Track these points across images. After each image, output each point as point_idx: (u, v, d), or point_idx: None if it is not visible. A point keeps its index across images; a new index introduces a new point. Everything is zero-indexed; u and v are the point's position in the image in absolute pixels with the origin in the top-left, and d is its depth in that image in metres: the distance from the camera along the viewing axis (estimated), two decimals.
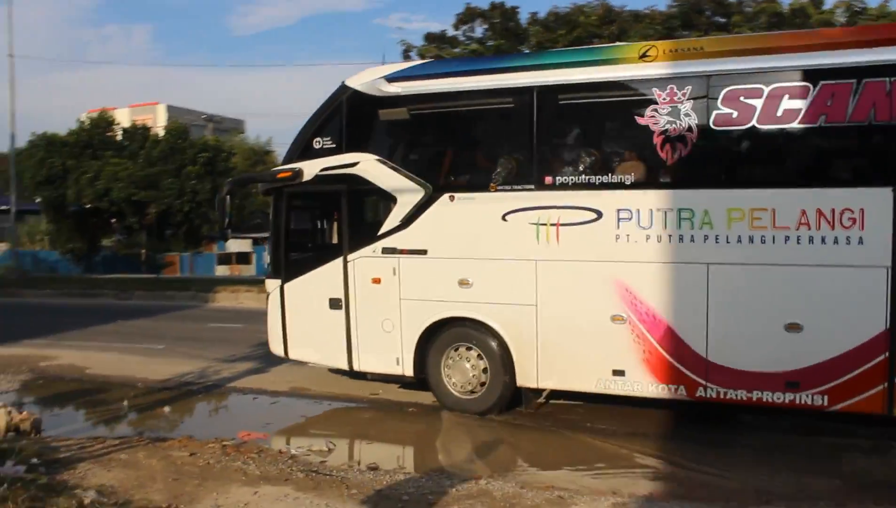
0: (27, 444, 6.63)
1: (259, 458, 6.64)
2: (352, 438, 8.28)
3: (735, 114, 7.24)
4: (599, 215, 7.68)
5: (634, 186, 7.63)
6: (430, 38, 27.69)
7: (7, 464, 5.83)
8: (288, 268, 9.18)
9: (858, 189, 6.94)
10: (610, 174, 7.74)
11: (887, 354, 6.89)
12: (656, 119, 7.45)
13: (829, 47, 7.04)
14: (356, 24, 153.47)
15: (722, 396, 7.48)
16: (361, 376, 9.21)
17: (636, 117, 7.53)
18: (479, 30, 27.37)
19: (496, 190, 8.07)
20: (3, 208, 31.87)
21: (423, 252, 8.38)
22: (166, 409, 9.16)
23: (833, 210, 6.94)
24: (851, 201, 6.89)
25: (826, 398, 7.14)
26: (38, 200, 28.22)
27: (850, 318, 6.99)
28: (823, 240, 6.99)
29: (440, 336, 8.47)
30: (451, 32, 27.25)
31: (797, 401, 7.24)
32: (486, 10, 27.10)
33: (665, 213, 7.47)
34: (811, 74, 7.04)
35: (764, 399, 7.36)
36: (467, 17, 27.53)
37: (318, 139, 8.79)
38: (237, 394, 9.90)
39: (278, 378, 10.33)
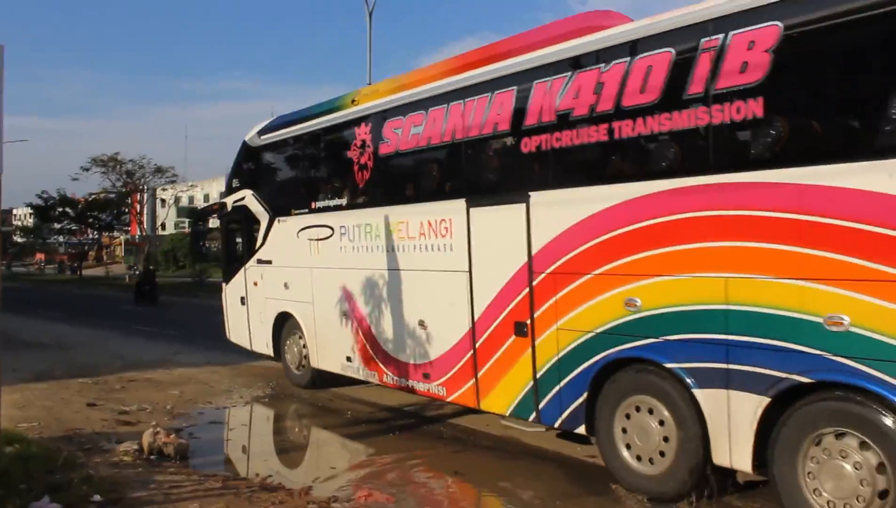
0: (100, 477, 5.88)
1: None
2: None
3: (388, 142, 8.07)
4: (333, 231, 8.99)
5: (346, 207, 8.80)
6: None
7: (43, 500, 5.03)
8: (227, 274, 11.87)
9: (446, 202, 7.31)
10: (336, 198, 9.00)
11: (473, 352, 7.15)
12: (354, 151, 8.57)
13: (436, 78, 7.51)
14: None
15: (396, 383, 8.23)
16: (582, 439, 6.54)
17: (346, 151, 8.71)
18: None
19: (293, 214, 9.81)
20: None
21: (270, 262, 10.43)
22: (340, 445, 7.84)
23: (436, 221, 7.43)
24: (443, 213, 7.32)
25: (444, 389, 7.54)
26: None
27: (449, 318, 7.35)
28: (432, 248, 7.50)
29: (285, 326, 10.38)
30: None
31: (430, 391, 7.75)
32: None
33: (359, 228, 8.53)
34: (421, 103, 7.62)
35: (415, 388, 7.97)
36: None
37: (234, 180, 11.36)
38: (428, 436, 7.76)
39: (496, 420, 7.41)
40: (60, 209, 52.14)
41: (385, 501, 5.96)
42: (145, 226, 60.93)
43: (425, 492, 6.22)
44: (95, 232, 60.08)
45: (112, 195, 51.22)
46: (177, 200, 58.36)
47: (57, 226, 57.90)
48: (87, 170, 47.10)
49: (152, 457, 6.77)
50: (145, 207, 62.20)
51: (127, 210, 53.29)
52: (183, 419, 8.61)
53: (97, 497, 5.38)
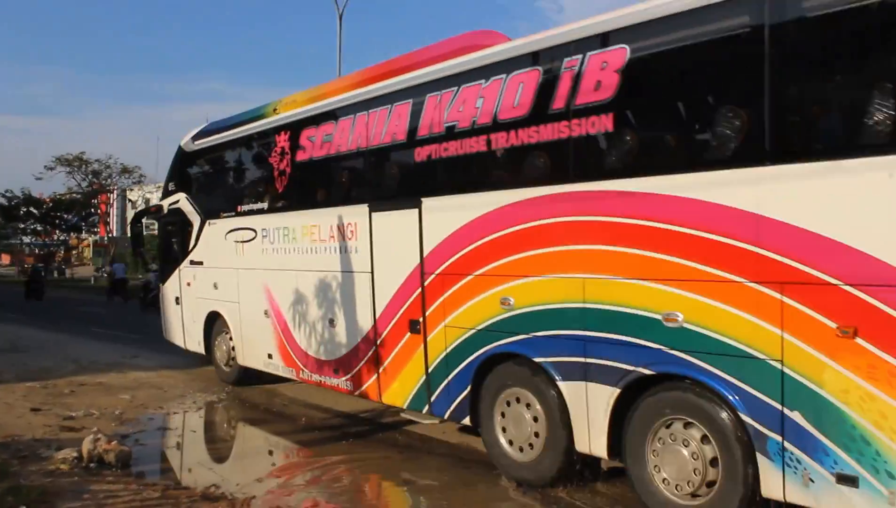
0: (29, 486, 5.68)
1: None
2: None
3: (304, 150, 8.35)
4: (256, 233, 9.24)
5: (267, 211, 9.06)
6: None
7: None
8: (163, 274, 12.05)
9: (352, 207, 7.60)
10: (259, 202, 9.26)
11: (375, 348, 7.44)
12: (275, 158, 8.83)
13: (348, 89, 7.82)
14: None
15: (311, 379, 8.51)
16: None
17: (268, 158, 8.97)
18: None
19: (222, 217, 10.04)
20: None
21: (202, 263, 10.64)
22: (291, 452, 7.56)
23: (343, 225, 7.71)
24: (350, 217, 7.61)
25: (352, 384, 7.83)
26: None
27: (355, 317, 7.64)
28: (340, 250, 7.79)
29: (215, 325, 10.59)
30: None
31: (340, 386, 8.03)
32: None
33: (278, 231, 8.79)
34: (332, 114, 7.92)
35: (326, 383, 8.25)
36: None
37: (170, 183, 11.56)
38: (382, 443, 7.53)
39: (452, 428, 7.54)
40: (25, 209, 51.09)
41: None
42: (114, 227, 60.12)
43: (374, 500, 6.22)
44: (63, 233, 58.82)
45: (78, 196, 50.27)
46: (146, 201, 57.52)
47: (21, 226, 56.50)
48: (52, 169, 46.57)
49: (92, 465, 6.39)
50: (114, 208, 61.29)
51: (95, 211, 52.39)
52: (131, 424, 8.23)
53: None
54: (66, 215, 52.48)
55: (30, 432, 7.74)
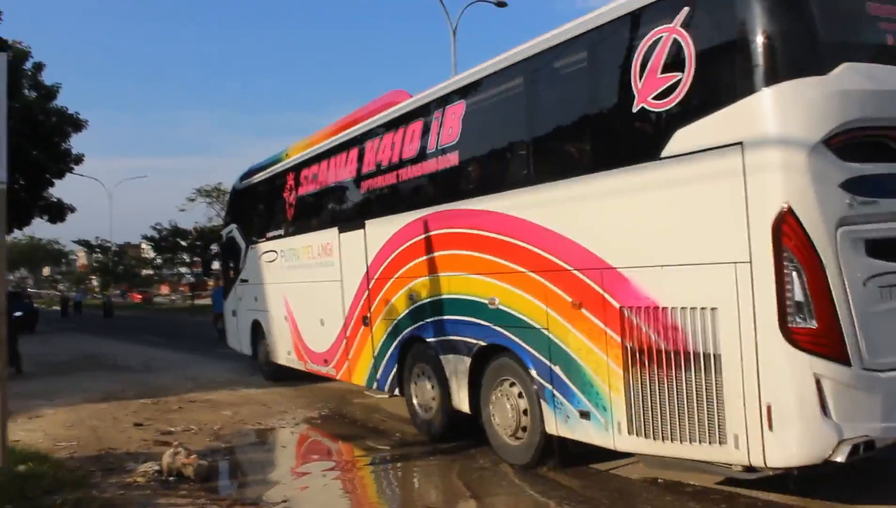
0: (93, 497, 5.78)
1: None
2: None
3: (303, 185, 10.53)
4: (277, 254, 11.49)
5: (282, 236, 11.28)
6: None
7: None
8: (225, 291, 14.56)
9: (329, 229, 9.61)
10: (278, 229, 11.50)
11: (346, 340, 9.41)
12: (286, 193, 11.07)
13: (327, 137, 9.93)
14: None
15: (311, 368, 10.57)
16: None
17: (282, 193, 11.23)
18: None
19: (257, 242, 12.39)
20: None
21: (247, 281, 13.03)
22: (372, 469, 7.08)
23: (325, 244, 9.77)
24: (328, 238, 9.65)
25: (335, 370, 9.81)
26: None
27: (335, 316, 9.62)
28: (324, 264, 9.83)
29: (258, 331, 12.91)
30: None
31: (329, 373, 10.03)
32: None
33: (289, 251, 10.98)
34: (315, 158, 10.05)
35: (321, 371, 10.28)
36: None
37: (227, 216, 14.12)
38: (471, 458, 7.00)
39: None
40: (173, 240, 55.37)
41: None
42: None
43: None
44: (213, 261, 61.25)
45: (219, 226, 53.33)
46: None
47: (168, 256, 60.72)
48: (193, 200, 50.52)
49: (171, 478, 6.43)
50: None
51: None
52: (225, 439, 8.23)
53: None
54: (211, 245, 55.99)
55: (126, 445, 7.94)
